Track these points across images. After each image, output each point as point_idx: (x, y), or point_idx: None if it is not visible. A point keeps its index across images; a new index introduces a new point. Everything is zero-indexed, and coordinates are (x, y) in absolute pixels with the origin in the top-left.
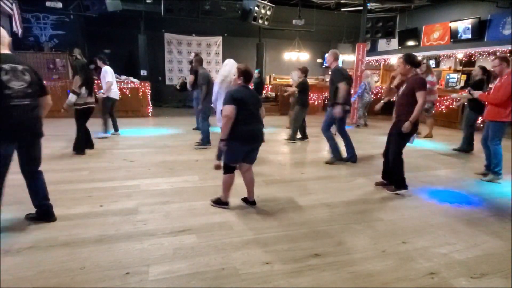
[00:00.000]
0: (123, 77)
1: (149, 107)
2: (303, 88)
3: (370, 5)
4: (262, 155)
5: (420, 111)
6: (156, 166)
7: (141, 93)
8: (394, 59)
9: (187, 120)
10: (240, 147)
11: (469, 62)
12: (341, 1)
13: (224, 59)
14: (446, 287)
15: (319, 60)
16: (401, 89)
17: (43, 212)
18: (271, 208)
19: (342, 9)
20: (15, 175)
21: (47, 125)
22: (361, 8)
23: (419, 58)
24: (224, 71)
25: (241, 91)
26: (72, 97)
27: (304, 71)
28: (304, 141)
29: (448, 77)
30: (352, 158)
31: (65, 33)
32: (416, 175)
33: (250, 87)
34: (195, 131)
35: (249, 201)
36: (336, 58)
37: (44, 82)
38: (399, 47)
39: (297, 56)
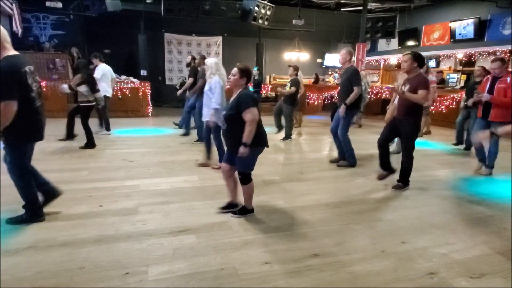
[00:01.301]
0: (123, 77)
1: (149, 107)
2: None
3: (370, 5)
4: (261, 155)
5: (414, 99)
6: (156, 166)
7: (141, 93)
8: (394, 59)
9: None
10: (259, 151)
11: (469, 62)
12: (341, 1)
13: (224, 59)
14: (446, 287)
15: (319, 60)
16: (404, 90)
17: (50, 193)
18: (270, 208)
19: (342, 9)
20: None
21: (47, 125)
22: (361, 8)
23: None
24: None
25: (253, 92)
26: (66, 89)
27: (296, 69)
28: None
29: (448, 77)
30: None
31: (65, 33)
32: (416, 175)
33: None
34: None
35: (233, 205)
36: (351, 57)
37: (44, 82)
38: (399, 47)
39: (297, 56)
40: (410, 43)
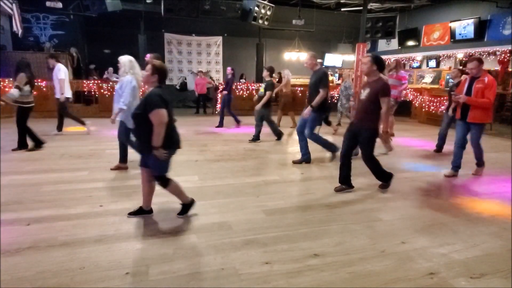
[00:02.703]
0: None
1: None
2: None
3: (370, 5)
4: (262, 155)
5: (387, 119)
6: None
7: (141, 93)
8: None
9: (187, 120)
10: (172, 153)
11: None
12: (341, 1)
13: (224, 59)
14: (446, 287)
15: (319, 60)
16: (363, 93)
17: None
18: (270, 208)
19: (342, 9)
20: (15, 175)
21: (46, 125)
22: (361, 8)
23: (420, 58)
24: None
25: (165, 92)
26: (15, 92)
27: (269, 69)
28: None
29: (448, 77)
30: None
31: (65, 33)
32: (416, 176)
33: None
34: None
35: (146, 211)
36: (317, 60)
37: (44, 82)
38: (399, 47)
39: (297, 56)
40: (410, 43)
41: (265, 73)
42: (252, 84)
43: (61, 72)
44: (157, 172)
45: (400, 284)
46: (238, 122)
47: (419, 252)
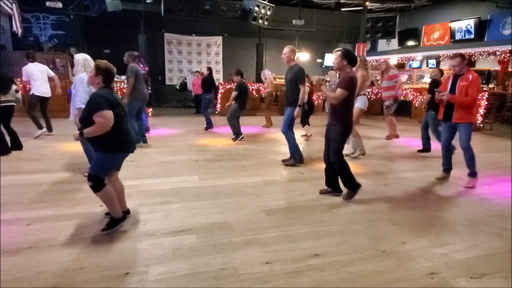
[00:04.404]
0: (123, 77)
1: (149, 107)
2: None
3: (370, 5)
4: (262, 155)
5: (327, 94)
6: (156, 166)
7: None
8: (394, 59)
9: (187, 120)
10: (120, 157)
11: (469, 62)
12: (341, 1)
13: (224, 59)
14: (446, 287)
15: (319, 60)
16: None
17: None
18: (271, 208)
19: (342, 9)
20: (15, 175)
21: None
22: (361, 8)
23: (420, 58)
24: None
25: (111, 93)
26: None
27: (238, 72)
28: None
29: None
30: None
31: (65, 33)
32: (416, 176)
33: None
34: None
35: (123, 212)
36: (295, 55)
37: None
38: (399, 47)
39: (297, 56)
40: (410, 43)
41: (235, 78)
42: (252, 84)
43: (23, 73)
44: (92, 171)
45: (400, 284)
46: (208, 126)
47: (419, 252)
